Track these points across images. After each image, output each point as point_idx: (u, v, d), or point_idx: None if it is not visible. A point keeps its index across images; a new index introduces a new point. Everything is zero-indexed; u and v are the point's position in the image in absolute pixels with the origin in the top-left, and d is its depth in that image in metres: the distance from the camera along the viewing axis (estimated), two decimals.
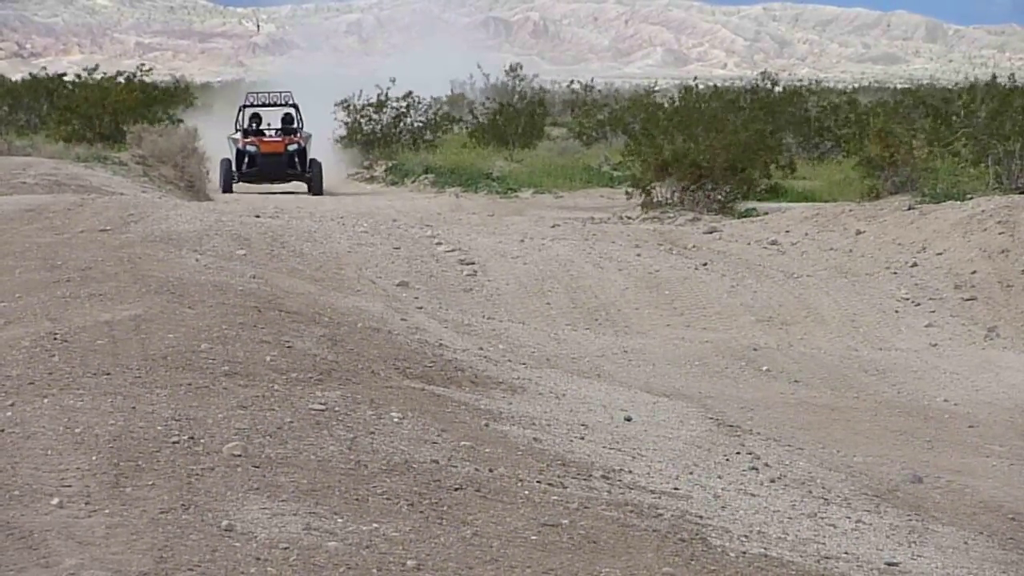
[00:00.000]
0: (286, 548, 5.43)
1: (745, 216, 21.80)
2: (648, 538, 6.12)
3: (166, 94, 41.90)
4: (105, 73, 39.21)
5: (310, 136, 34.14)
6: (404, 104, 39.33)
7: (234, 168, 32.29)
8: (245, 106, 33.90)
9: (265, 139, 32.93)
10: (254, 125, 33.53)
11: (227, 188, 32.03)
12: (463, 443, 7.16)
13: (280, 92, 34.57)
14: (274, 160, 32.12)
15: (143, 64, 42.43)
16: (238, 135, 33.28)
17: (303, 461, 6.45)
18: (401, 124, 39.29)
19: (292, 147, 32.37)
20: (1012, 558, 6.91)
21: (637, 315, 13.36)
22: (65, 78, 40.66)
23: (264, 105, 34.14)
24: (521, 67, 52.54)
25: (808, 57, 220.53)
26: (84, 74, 38.74)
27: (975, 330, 13.58)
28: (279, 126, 33.81)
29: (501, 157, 36.28)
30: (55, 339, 8.16)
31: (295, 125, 33.69)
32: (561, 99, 59.06)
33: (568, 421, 8.46)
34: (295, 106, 33.92)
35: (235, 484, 6.04)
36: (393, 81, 39.13)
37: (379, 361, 8.78)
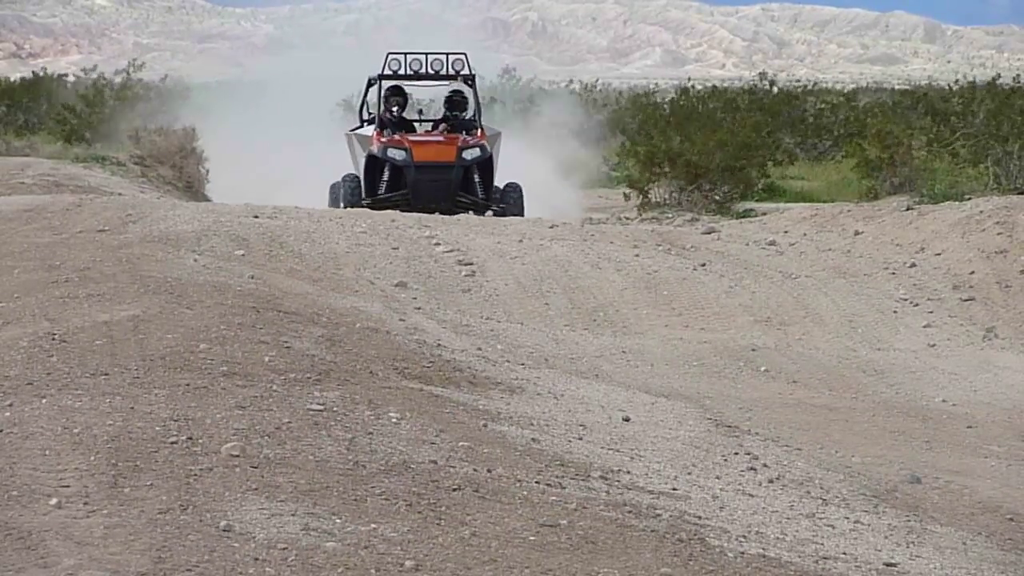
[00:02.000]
0: (284, 548, 5.44)
1: (743, 216, 21.78)
2: (646, 538, 6.12)
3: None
4: (103, 73, 39.20)
5: (498, 136, 20.78)
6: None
7: (362, 187, 19.82)
8: (382, 77, 20.65)
9: (420, 138, 20.03)
10: (394, 111, 20.30)
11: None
12: (461, 443, 7.16)
13: (444, 54, 20.89)
14: (437, 177, 19.45)
15: (135, 59, 42.14)
16: (367, 129, 20.38)
17: (301, 461, 6.45)
18: None
19: (470, 154, 19.67)
20: (1010, 558, 6.91)
21: (635, 315, 13.36)
22: (66, 79, 40.65)
23: (416, 77, 20.83)
24: (515, 70, 52.42)
25: (806, 57, 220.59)
26: (82, 74, 38.61)
27: (973, 330, 13.58)
28: (441, 114, 20.89)
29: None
30: (53, 339, 8.16)
31: (471, 114, 20.46)
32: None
33: (566, 421, 8.46)
34: (471, 80, 20.78)
35: (233, 484, 6.04)
36: None
37: (377, 361, 8.78)
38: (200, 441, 6.53)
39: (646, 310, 13.52)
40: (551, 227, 16.33)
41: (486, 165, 19.89)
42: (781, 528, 6.77)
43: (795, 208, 20.31)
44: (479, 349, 10.60)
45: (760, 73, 46.03)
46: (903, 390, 11.36)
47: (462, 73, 20.76)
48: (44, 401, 7.01)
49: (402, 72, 20.80)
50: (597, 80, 56.67)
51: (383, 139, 19.92)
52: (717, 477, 7.64)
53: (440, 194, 19.42)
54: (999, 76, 37.39)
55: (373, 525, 5.81)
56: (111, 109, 33.47)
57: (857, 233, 16.49)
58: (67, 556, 5.16)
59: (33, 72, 45.46)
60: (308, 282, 12.01)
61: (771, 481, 7.72)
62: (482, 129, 20.39)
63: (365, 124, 21.07)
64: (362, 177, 20.10)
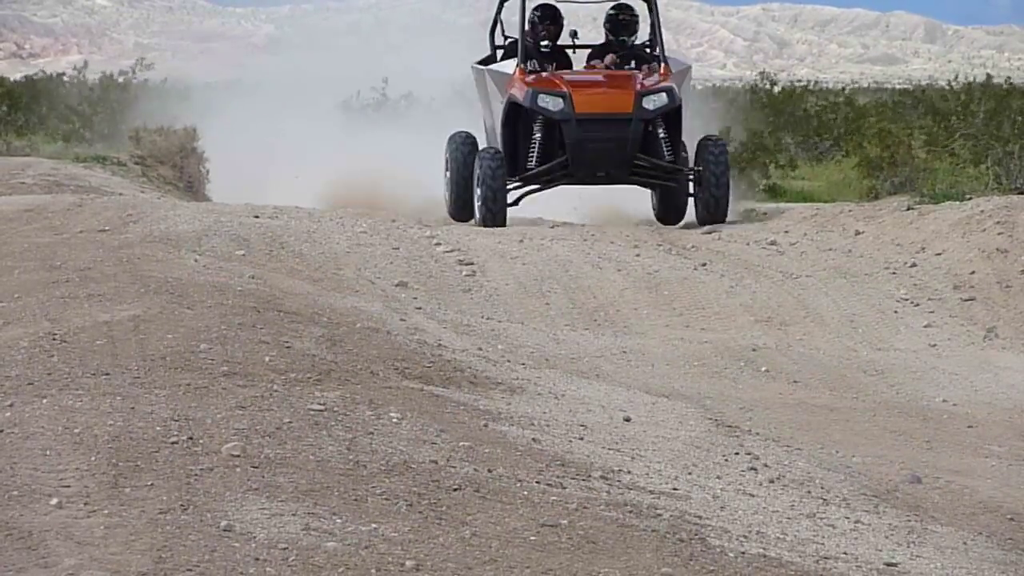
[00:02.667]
0: (285, 548, 5.44)
1: (744, 216, 21.78)
2: (647, 538, 6.12)
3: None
4: (106, 72, 39.16)
5: (687, 72, 15.84)
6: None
7: (500, 157, 14.83)
8: None
9: (582, 78, 15.08)
10: (543, 42, 15.33)
11: (494, 210, 14.67)
12: (462, 443, 7.16)
13: None
14: (609, 135, 14.47)
15: (143, 58, 41.97)
16: (506, 65, 15.31)
17: (302, 461, 6.45)
18: None
19: (654, 102, 14.66)
20: (1011, 558, 6.91)
21: (636, 315, 13.35)
22: (64, 78, 40.61)
23: None
24: None
25: (807, 57, 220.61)
26: (75, 73, 38.56)
27: (974, 330, 13.58)
28: (602, 44, 15.79)
29: None
30: (54, 339, 8.16)
31: (645, 44, 15.63)
32: None
33: (567, 421, 8.45)
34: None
35: (234, 484, 6.04)
36: (386, 81, 38.78)
37: (378, 361, 8.78)
38: (201, 441, 6.53)
39: (647, 310, 13.51)
40: (552, 227, 16.32)
41: (674, 117, 14.63)
42: (782, 528, 6.77)
43: (796, 208, 20.30)
44: (480, 349, 10.60)
45: (761, 73, 45.97)
46: (904, 390, 11.36)
47: None
48: (45, 401, 7.02)
49: None
50: None
51: (530, 79, 14.57)
52: (718, 477, 7.64)
53: (613, 159, 14.27)
54: (991, 77, 37.35)
55: (374, 525, 5.81)
56: (112, 109, 33.42)
57: (858, 233, 16.48)
58: (68, 556, 5.16)
59: (27, 76, 45.48)
60: (309, 282, 12.01)
61: (772, 481, 7.72)
62: (665, 63, 15.03)
63: (498, 53, 15.46)
64: (498, 133, 14.80)
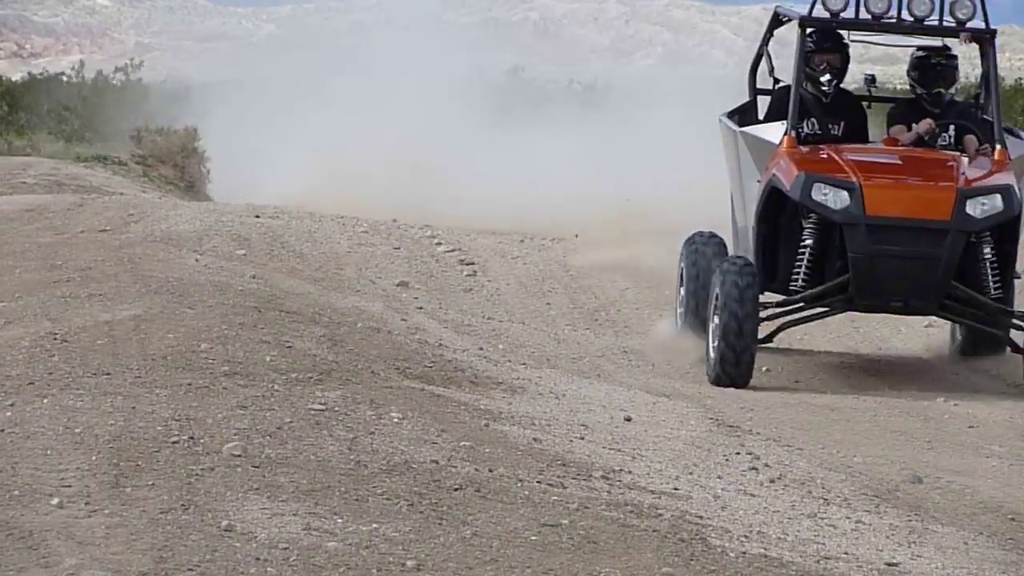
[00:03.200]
0: (286, 548, 5.44)
1: None
2: (648, 538, 6.12)
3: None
4: (101, 71, 39.13)
5: None
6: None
7: (752, 278, 10.28)
8: (808, 22, 11.12)
9: (876, 160, 10.79)
10: (823, 81, 10.99)
11: (737, 353, 10.21)
12: (463, 443, 7.16)
13: None
14: (913, 252, 10.19)
15: (133, 58, 41.89)
16: (771, 131, 10.86)
17: (303, 461, 6.45)
18: None
19: (982, 208, 10.28)
20: (1012, 558, 6.90)
21: (637, 315, 13.35)
22: (63, 78, 40.60)
23: (877, 27, 11.03)
24: (524, 70, 52.34)
25: None
26: (72, 73, 38.53)
27: None
28: (907, 99, 11.51)
29: None
30: (55, 339, 8.17)
31: (973, 99, 11.56)
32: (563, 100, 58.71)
33: (568, 421, 8.45)
34: (988, 38, 11.59)
35: (235, 484, 6.04)
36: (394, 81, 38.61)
37: (379, 361, 8.78)
38: (202, 441, 6.53)
39: (648, 310, 13.51)
40: None
41: (1009, 231, 10.57)
42: (783, 528, 6.77)
43: None
44: (481, 349, 10.60)
45: None
46: (905, 390, 11.35)
47: (969, 25, 11.17)
48: (46, 401, 7.02)
49: (849, 16, 10.93)
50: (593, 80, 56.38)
51: (801, 155, 10.56)
52: (719, 477, 7.64)
53: (916, 285, 10.34)
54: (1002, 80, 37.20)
55: (375, 525, 5.81)
56: (107, 108, 33.36)
57: None
58: (68, 556, 5.16)
59: (29, 73, 45.44)
60: (310, 282, 12.01)
61: (772, 481, 7.72)
62: (1002, 144, 10.73)
63: (759, 100, 11.43)
64: (751, 228, 10.86)
